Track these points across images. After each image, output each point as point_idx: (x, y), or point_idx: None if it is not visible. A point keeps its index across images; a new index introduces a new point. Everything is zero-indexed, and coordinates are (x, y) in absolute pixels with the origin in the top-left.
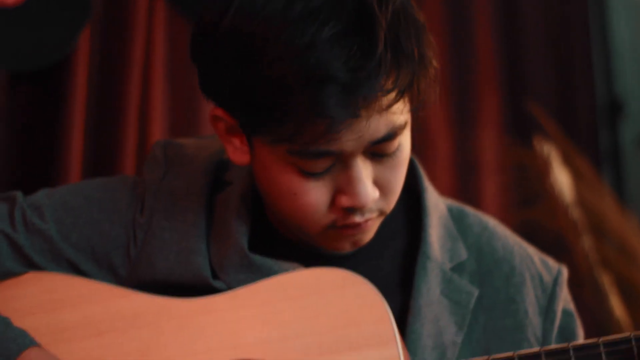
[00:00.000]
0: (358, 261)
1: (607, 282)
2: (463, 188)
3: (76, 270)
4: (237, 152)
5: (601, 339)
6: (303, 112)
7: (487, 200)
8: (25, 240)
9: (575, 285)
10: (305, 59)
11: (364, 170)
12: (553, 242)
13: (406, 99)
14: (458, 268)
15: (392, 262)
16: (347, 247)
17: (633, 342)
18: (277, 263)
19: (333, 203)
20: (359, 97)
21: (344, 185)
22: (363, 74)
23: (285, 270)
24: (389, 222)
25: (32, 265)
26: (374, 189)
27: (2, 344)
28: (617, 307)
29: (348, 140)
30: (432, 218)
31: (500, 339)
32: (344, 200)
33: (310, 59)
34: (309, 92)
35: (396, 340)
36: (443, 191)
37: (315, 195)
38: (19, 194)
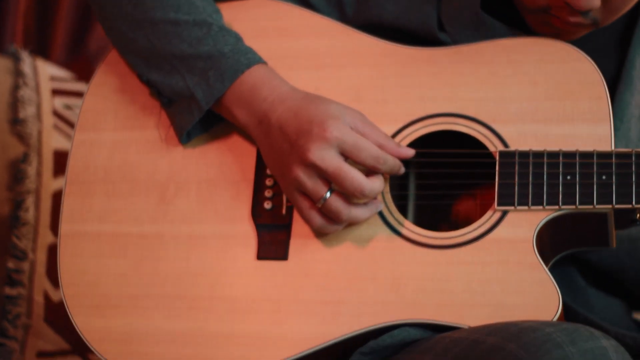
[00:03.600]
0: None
1: None
2: None
3: (304, 3)
4: None
5: None
6: None
7: None
8: None
9: None
10: None
11: None
12: None
13: None
14: None
15: (609, 33)
16: (546, 35)
17: None
18: (505, 27)
19: None
20: None
21: None
22: None
23: (513, 35)
24: None
25: None
26: None
27: (233, 56)
28: None
29: None
30: None
31: None
32: None
33: None
34: None
35: (610, 120)
36: None
37: None
38: None
